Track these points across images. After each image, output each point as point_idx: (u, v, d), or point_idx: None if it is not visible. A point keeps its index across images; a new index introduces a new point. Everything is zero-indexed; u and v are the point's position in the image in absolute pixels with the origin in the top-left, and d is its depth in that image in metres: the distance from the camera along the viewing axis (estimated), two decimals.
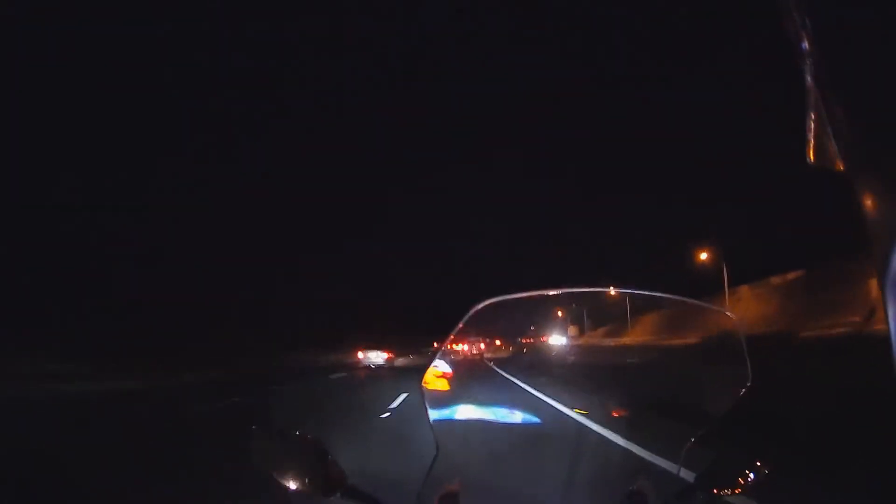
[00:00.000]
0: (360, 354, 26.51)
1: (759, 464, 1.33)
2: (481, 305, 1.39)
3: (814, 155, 0.75)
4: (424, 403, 1.48)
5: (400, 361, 27.21)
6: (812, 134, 0.74)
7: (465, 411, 2.35)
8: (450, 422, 2.04)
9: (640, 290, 1.84)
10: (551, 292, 1.63)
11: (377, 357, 25.88)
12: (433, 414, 1.51)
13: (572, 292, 1.69)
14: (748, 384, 1.43)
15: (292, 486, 1.27)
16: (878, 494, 3.25)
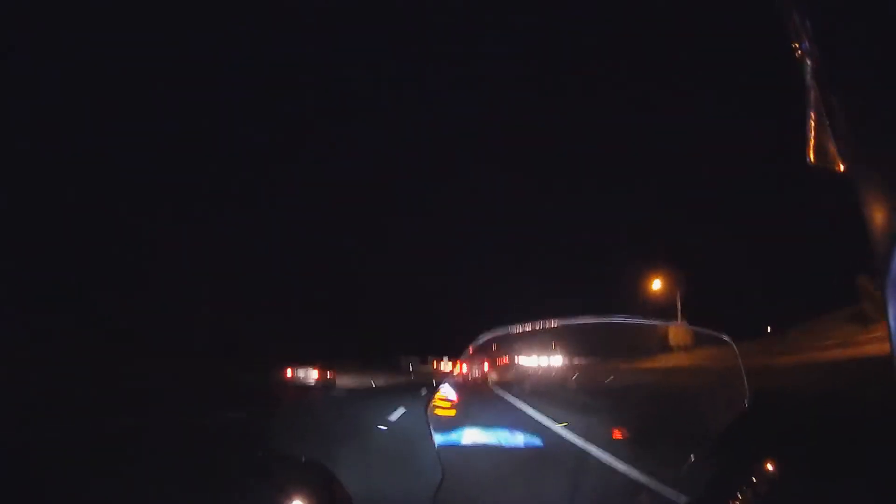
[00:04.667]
0: (290, 373, 22.81)
1: (755, 479, 1.36)
2: (482, 339, 1.46)
3: (814, 155, 0.75)
4: (429, 428, 1.52)
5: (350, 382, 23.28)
6: (812, 134, 0.74)
7: (470, 435, 2.36)
8: (454, 447, 2.06)
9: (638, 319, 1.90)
10: (537, 325, 1.69)
11: (306, 376, 22.26)
12: (438, 438, 1.54)
13: (568, 324, 1.75)
14: (746, 404, 1.47)
15: None
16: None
